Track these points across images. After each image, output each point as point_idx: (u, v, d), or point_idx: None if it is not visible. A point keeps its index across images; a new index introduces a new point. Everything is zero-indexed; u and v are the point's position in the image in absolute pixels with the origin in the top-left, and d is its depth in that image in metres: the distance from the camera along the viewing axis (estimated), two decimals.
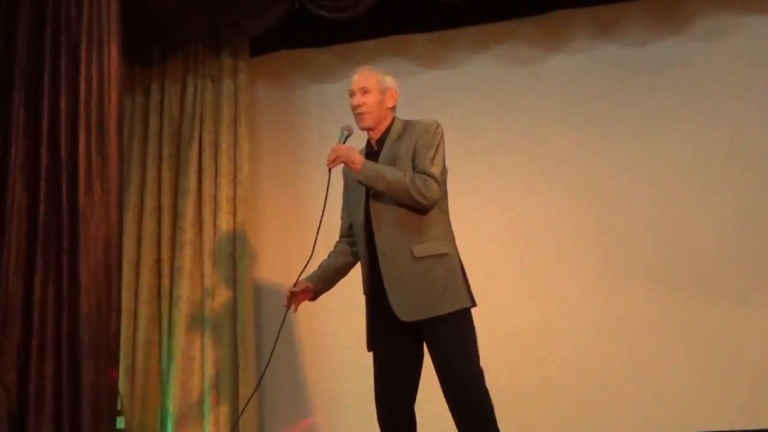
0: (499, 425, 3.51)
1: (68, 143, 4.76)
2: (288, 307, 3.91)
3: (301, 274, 3.91)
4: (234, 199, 5.44)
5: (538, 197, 5.07)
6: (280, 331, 4.02)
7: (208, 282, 5.40)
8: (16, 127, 4.76)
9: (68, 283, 4.66)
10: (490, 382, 3.55)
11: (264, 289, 5.54)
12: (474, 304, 3.67)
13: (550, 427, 4.90)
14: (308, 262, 3.86)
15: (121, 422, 5.02)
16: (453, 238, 3.75)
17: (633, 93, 4.96)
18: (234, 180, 5.46)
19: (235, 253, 5.40)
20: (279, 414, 5.44)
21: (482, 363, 3.58)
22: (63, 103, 4.78)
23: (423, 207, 3.58)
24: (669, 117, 4.86)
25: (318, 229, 3.81)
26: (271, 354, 4.12)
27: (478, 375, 3.56)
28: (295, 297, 3.90)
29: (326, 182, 3.74)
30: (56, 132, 4.77)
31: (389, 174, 3.56)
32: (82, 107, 4.77)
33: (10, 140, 4.76)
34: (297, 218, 5.55)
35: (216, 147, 5.50)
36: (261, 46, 5.63)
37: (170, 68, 5.69)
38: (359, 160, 3.63)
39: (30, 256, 4.69)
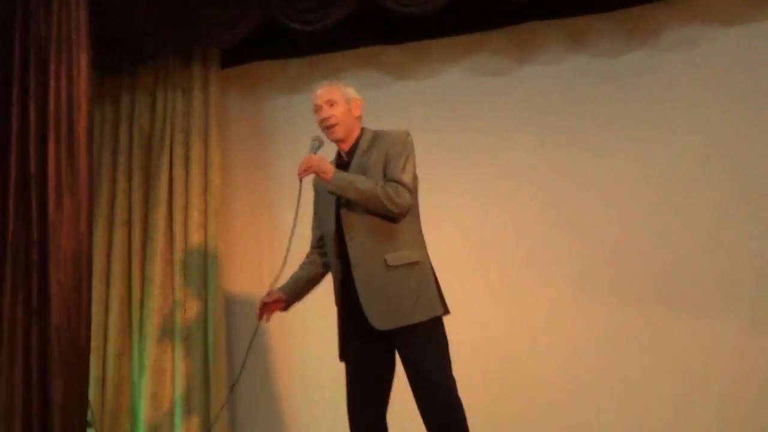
0: None
1: (38, 156, 4.71)
2: (260, 317, 3.92)
3: (272, 285, 3.92)
4: (205, 210, 5.43)
5: (508, 208, 5.07)
6: (251, 342, 4.02)
7: (178, 293, 5.38)
8: None
9: (38, 295, 4.62)
10: (461, 392, 3.57)
11: (235, 300, 5.52)
12: (447, 312, 3.70)
13: None
14: (280, 272, 3.87)
15: None
16: (425, 246, 3.77)
17: (604, 103, 4.96)
18: (205, 191, 5.45)
19: (206, 265, 5.38)
20: (251, 425, 5.42)
21: (454, 373, 3.60)
22: (32, 116, 4.73)
23: (394, 215, 3.59)
24: (640, 128, 4.86)
25: (289, 240, 3.82)
26: (243, 365, 4.12)
27: (450, 384, 3.58)
28: (267, 307, 3.91)
29: (297, 193, 3.75)
30: (25, 145, 4.72)
31: (360, 183, 3.57)
32: (51, 120, 4.72)
33: None
34: (268, 229, 5.55)
35: (187, 158, 5.49)
36: (232, 57, 5.61)
37: (140, 79, 5.66)
38: (330, 169, 3.65)
39: None
